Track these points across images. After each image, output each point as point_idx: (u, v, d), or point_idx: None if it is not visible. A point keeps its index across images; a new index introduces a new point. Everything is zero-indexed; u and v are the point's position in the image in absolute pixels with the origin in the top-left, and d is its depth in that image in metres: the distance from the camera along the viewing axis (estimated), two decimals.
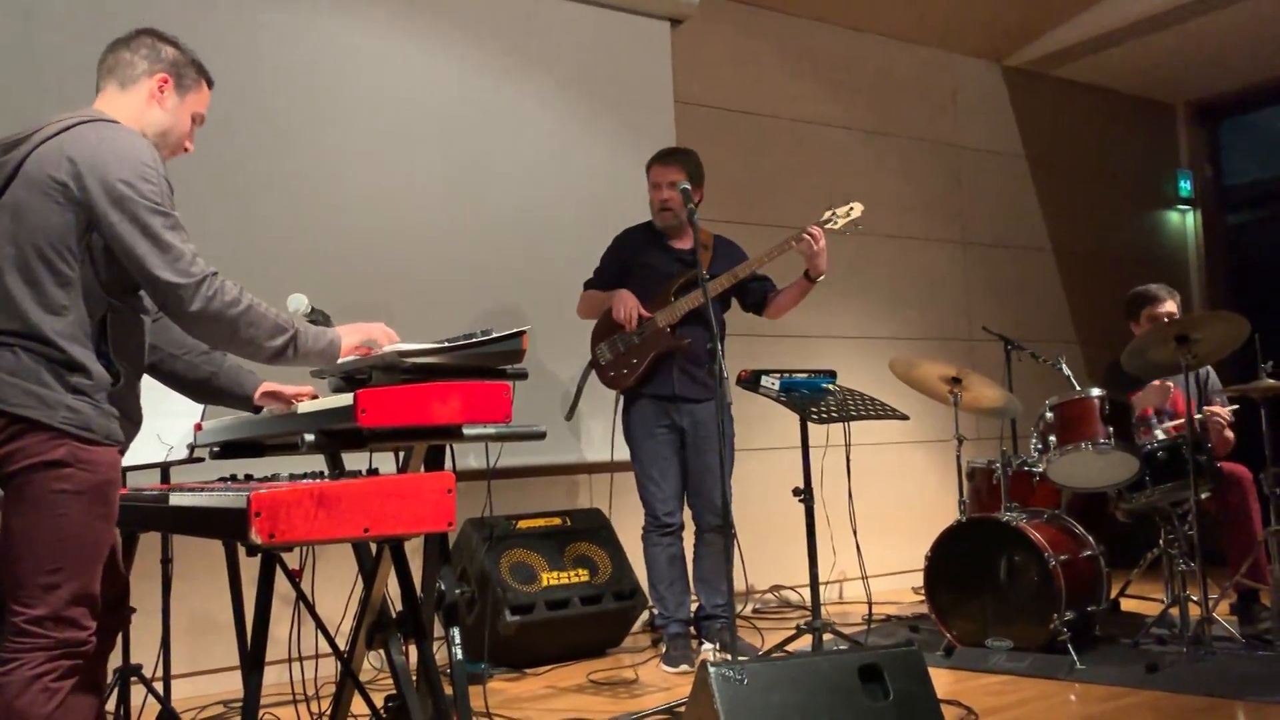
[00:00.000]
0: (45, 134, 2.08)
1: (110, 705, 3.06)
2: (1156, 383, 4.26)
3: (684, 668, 3.96)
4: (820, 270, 4.08)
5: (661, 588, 4.11)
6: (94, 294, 2.06)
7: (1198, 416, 4.11)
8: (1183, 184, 7.88)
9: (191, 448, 3.02)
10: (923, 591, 4.21)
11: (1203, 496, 3.99)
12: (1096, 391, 4.07)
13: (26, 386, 1.99)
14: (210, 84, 2.34)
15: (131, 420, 2.17)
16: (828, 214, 4.13)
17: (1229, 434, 4.32)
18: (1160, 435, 4.13)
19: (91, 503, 2.02)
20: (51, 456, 1.98)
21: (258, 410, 2.48)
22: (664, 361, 4.08)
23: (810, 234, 4.02)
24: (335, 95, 4.49)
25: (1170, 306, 4.44)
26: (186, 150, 2.31)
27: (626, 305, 4.05)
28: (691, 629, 4.21)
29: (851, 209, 4.11)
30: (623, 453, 4.19)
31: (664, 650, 4.11)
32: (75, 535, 2.00)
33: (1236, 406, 4.37)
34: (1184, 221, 7.96)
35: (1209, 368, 4.50)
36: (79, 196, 2.02)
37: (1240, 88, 7.55)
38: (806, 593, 4.00)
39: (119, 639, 3.00)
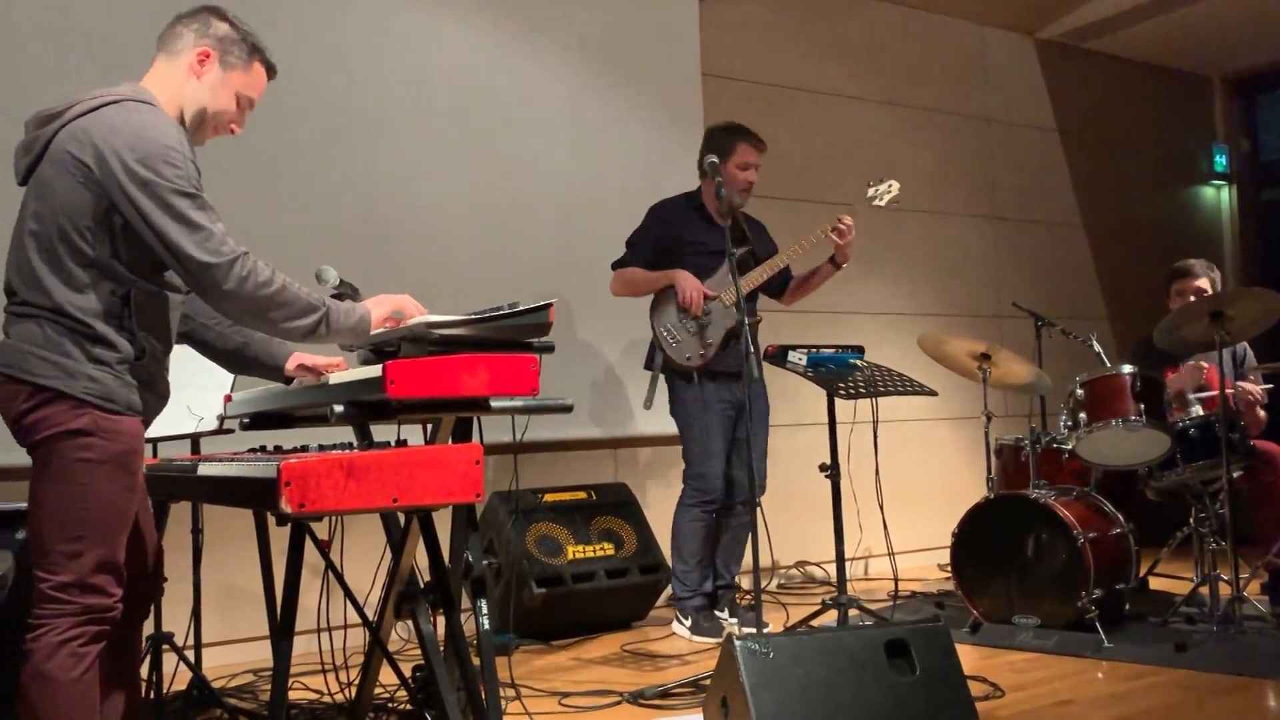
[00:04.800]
0: (76, 111, 2.09)
1: (142, 672, 3.10)
2: (1190, 363, 4.21)
3: (713, 640, 3.99)
4: (848, 258, 4.19)
5: (693, 561, 4.16)
6: (116, 272, 2.07)
7: (1229, 391, 4.05)
8: (1218, 159, 7.76)
9: (221, 419, 3.04)
10: (949, 568, 4.20)
11: (1235, 475, 3.95)
12: (1127, 368, 4.03)
13: (50, 357, 2.02)
14: (268, 68, 2.29)
15: (157, 394, 2.18)
16: (871, 191, 4.18)
17: (1261, 412, 4.26)
18: (1196, 411, 4.06)
19: (114, 471, 2.04)
20: (74, 426, 2.00)
21: (289, 381, 2.50)
22: (731, 338, 4.09)
23: (845, 224, 4.09)
24: (364, 71, 4.48)
25: (1202, 282, 4.38)
26: (233, 132, 2.27)
27: (693, 287, 4.04)
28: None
29: (891, 185, 4.17)
30: (650, 427, 4.19)
31: (691, 621, 4.14)
32: (98, 504, 2.02)
33: (1270, 386, 4.31)
34: (1219, 197, 7.84)
35: (1245, 345, 4.44)
36: (100, 178, 2.02)
37: (1278, 61, 7.41)
38: (832, 568, 4.00)
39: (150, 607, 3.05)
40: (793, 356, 3.56)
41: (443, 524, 2.37)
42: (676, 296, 4.07)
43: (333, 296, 2.58)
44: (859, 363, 3.62)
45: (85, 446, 2.01)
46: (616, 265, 4.27)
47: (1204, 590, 3.95)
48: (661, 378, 4.20)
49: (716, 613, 4.23)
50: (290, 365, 2.47)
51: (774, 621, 4.25)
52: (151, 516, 2.35)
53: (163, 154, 2.02)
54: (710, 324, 4.07)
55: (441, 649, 2.49)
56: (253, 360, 2.47)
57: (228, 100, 2.24)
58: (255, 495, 2.03)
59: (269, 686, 2.78)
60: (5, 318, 2.11)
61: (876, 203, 4.16)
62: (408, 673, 2.76)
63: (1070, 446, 4.22)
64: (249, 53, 2.25)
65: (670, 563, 4.29)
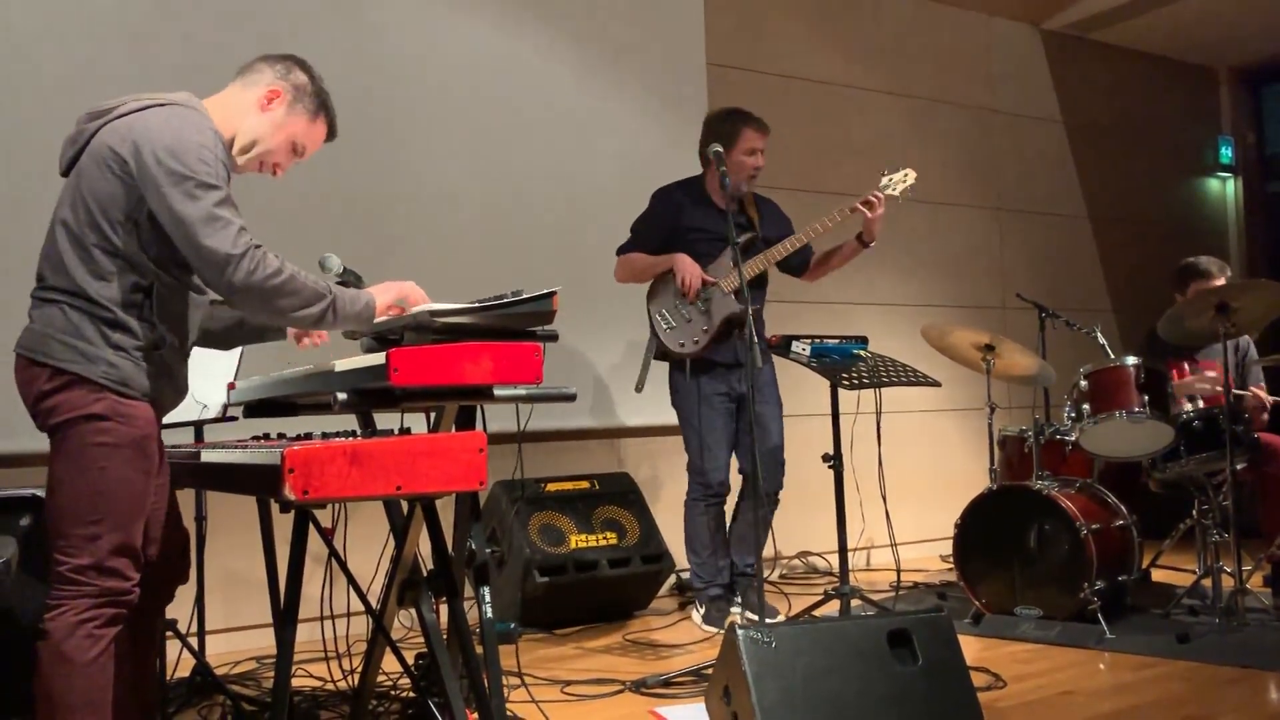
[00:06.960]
0: (124, 110, 2.15)
1: None
2: (1211, 374, 4.16)
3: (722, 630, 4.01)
4: (875, 236, 4.12)
5: (705, 554, 4.17)
6: (141, 265, 2.11)
7: (1238, 391, 4.05)
8: (1224, 151, 7.73)
9: (225, 406, 3.05)
10: (951, 559, 4.20)
11: (1238, 467, 3.94)
12: (1131, 360, 4.03)
13: (70, 341, 2.06)
14: (330, 128, 2.36)
15: (175, 388, 2.23)
16: (885, 180, 4.11)
17: (1266, 415, 4.26)
18: (1194, 406, 4.06)
19: (131, 456, 2.07)
20: (92, 410, 2.04)
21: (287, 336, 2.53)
22: (728, 327, 4.05)
23: (875, 199, 4.02)
24: (367, 61, 4.48)
25: (1221, 283, 4.36)
26: (274, 173, 2.33)
27: (690, 272, 3.99)
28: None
29: (907, 175, 4.10)
30: (652, 417, 4.19)
31: (704, 611, 4.15)
32: (115, 488, 2.05)
33: (1278, 400, 4.31)
34: (1224, 189, 7.82)
35: (1247, 338, 4.44)
36: (134, 171, 2.07)
37: None
38: (834, 559, 4.00)
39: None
40: (796, 347, 3.55)
41: (446, 512, 2.38)
42: (675, 281, 4.04)
43: (336, 284, 2.58)
44: (863, 353, 3.61)
45: (102, 431, 2.05)
46: (621, 250, 4.25)
47: (1206, 582, 3.95)
48: (663, 366, 4.19)
49: (735, 598, 4.24)
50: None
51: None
52: (174, 502, 2.36)
53: (195, 150, 2.07)
54: (708, 311, 4.03)
55: (444, 637, 2.49)
56: (252, 328, 2.51)
57: (283, 141, 2.30)
58: (259, 482, 2.04)
59: (272, 674, 2.79)
60: (31, 303, 2.15)
61: (890, 192, 4.07)
62: (411, 660, 2.76)
63: (1073, 438, 4.23)
64: (317, 107, 2.33)
65: (668, 550, 4.29)
